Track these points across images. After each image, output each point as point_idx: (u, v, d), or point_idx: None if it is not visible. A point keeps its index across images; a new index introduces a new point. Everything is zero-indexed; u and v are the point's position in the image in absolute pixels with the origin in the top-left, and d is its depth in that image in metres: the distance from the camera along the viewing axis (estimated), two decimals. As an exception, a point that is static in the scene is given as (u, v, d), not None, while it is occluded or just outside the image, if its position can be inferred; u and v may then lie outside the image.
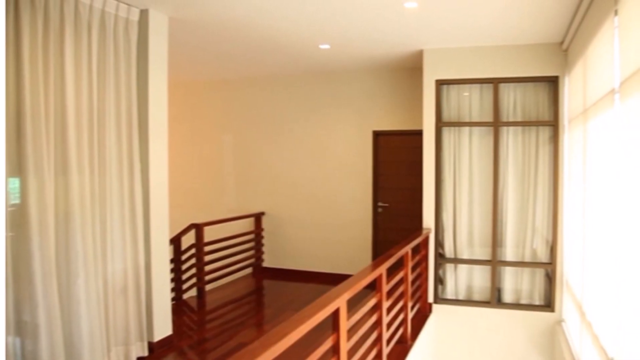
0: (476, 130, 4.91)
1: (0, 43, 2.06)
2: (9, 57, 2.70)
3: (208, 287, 5.45)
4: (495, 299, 4.84)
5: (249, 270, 6.45)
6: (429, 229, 4.90)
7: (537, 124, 4.72)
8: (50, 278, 2.89)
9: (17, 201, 2.83)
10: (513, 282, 4.87)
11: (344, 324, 2.41)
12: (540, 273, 4.80)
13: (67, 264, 3.05)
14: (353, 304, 2.64)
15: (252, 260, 6.41)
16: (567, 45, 4.34)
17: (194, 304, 5.13)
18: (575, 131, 3.97)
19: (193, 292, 5.29)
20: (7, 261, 2.68)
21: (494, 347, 4.80)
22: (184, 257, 5.18)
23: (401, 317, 3.85)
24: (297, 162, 6.58)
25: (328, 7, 3.69)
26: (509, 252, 4.85)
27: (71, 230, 3.06)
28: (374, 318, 3.09)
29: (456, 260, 5.00)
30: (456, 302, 4.98)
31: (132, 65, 3.55)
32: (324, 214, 6.44)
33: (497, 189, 4.81)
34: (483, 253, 4.92)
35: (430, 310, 4.92)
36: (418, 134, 5.16)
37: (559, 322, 4.58)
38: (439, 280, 5.03)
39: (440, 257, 5.02)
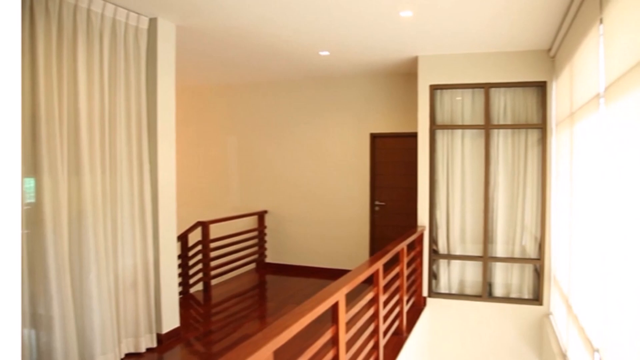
0: (468, 132, 4.91)
1: (16, 50, 2.06)
2: (24, 63, 2.70)
3: (213, 281, 5.45)
4: (486, 293, 4.84)
5: (252, 265, 6.44)
6: (424, 227, 4.90)
7: (526, 126, 4.72)
8: (63, 273, 2.89)
9: (32, 200, 2.83)
10: (503, 277, 4.87)
11: (343, 317, 2.41)
12: (529, 268, 4.80)
13: (80, 259, 3.05)
14: (351, 298, 2.64)
15: (255, 256, 6.40)
16: (554, 52, 4.34)
17: (200, 297, 5.13)
18: (562, 134, 3.97)
19: (199, 287, 5.29)
20: (23, 257, 2.68)
21: (485, 339, 4.80)
22: (190, 253, 5.18)
23: (397, 310, 3.85)
24: (299, 163, 6.58)
25: (327, 16, 3.69)
26: (500, 249, 4.85)
27: (84, 227, 3.06)
28: (371, 311, 3.08)
29: (449, 256, 5.00)
30: (449, 295, 4.98)
31: (141, 70, 3.55)
32: (323, 212, 6.44)
33: (488, 188, 4.81)
34: (475, 249, 4.92)
35: (424, 304, 4.92)
36: (413, 136, 5.16)
37: (547, 315, 4.58)
38: (433, 275, 5.03)
39: (434, 253, 5.02)
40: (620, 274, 2.22)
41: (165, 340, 3.69)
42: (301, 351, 2.04)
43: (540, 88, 4.62)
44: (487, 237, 4.82)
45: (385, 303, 3.46)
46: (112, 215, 3.30)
